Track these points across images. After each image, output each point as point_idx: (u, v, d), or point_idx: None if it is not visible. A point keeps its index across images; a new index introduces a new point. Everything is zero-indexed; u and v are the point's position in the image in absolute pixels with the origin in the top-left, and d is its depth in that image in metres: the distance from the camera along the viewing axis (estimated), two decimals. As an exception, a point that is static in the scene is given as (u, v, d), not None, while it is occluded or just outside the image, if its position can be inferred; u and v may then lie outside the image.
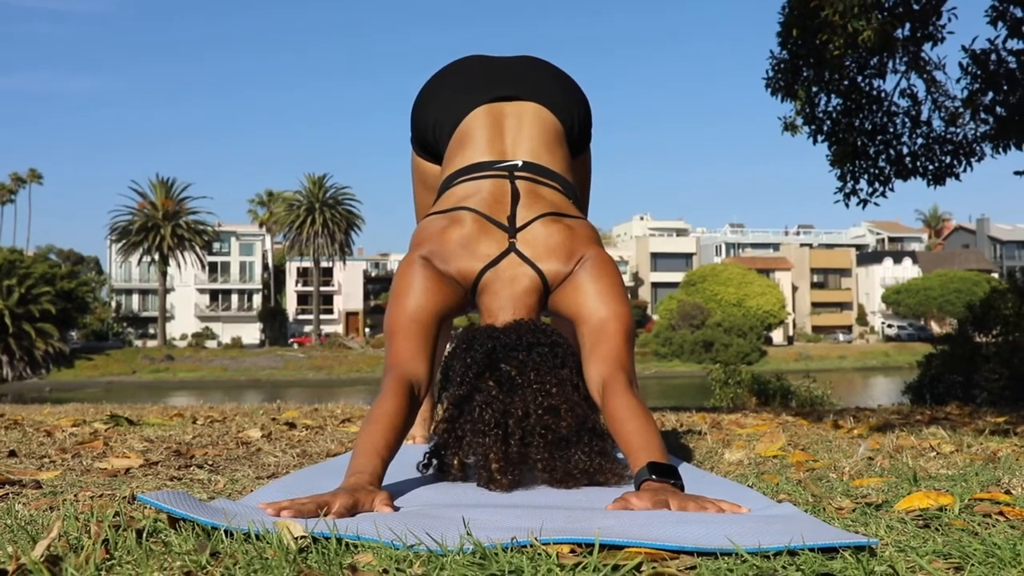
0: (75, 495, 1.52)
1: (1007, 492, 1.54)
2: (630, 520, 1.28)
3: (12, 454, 2.18)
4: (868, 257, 68.89)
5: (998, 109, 6.98)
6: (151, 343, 55.61)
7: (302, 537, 1.14)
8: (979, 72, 6.97)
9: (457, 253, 1.90)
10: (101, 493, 1.54)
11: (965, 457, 2.17)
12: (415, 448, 2.48)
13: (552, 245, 1.92)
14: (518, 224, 1.95)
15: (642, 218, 70.40)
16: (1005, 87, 6.88)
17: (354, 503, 1.38)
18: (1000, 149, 7.17)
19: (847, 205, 8.03)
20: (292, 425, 3.15)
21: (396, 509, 1.42)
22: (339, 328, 59.68)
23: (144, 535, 1.15)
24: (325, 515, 1.32)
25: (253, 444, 2.55)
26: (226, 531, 1.17)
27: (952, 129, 7.66)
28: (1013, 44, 6.82)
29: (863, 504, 1.45)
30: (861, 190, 7.90)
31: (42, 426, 2.93)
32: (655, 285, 60.82)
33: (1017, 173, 7.04)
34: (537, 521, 1.24)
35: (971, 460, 2.10)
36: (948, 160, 7.69)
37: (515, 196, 1.97)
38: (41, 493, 1.56)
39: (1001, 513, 1.36)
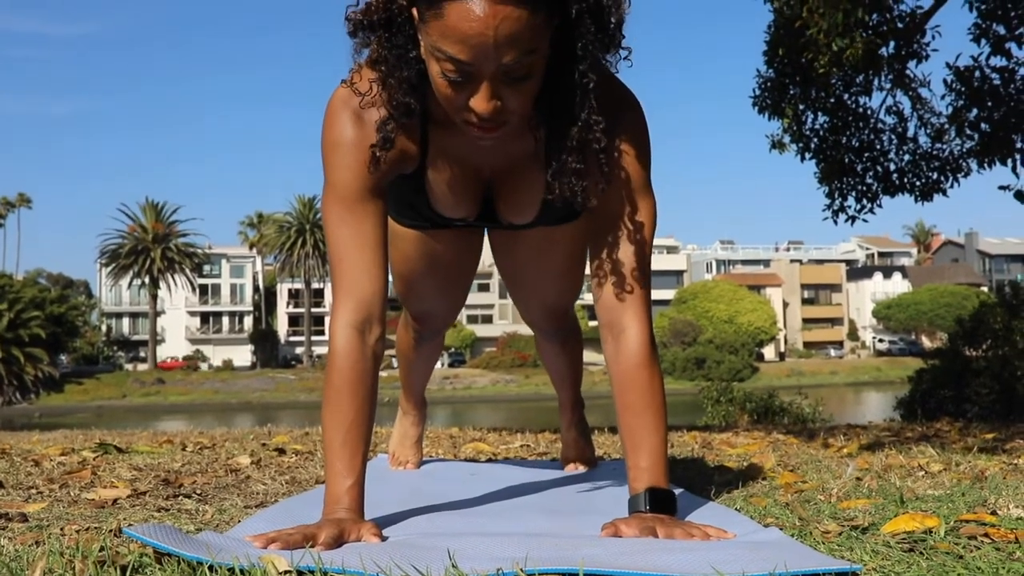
0: (61, 529, 1.51)
1: (993, 513, 1.54)
2: (617, 548, 1.28)
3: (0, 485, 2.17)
4: (858, 272, 69.17)
5: (983, 125, 7.03)
6: (142, 366, 55.44)
7: (287, 572, 1.14)
8: (963, 89, 7.03)
9: None
10: (87, 526, 1.53)
11: (953, 476, 2.18)
12: (404, 475, 2.48)
13: None
14: None
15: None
16: (989, 103, 6.94)
17: (340, 533, 1.38)
18: (985, 165, 7.22)
19: (836, 222, 8.08)
20: (282, 451, 3.14)
21: (383, 539, 1.42)
22: (331, 349, 59.56)
23: (129, 571, 1.15)
24: (311, 547, 1.31)
25: (242, 471, 2.55)
26: (211, 566, 1.17)
27: (938, 145, 7.71)
28: (996, 61, 6.88)
29: (849, 527, 1.46)
30: (849, 207, 7.95)
31: (30, 455, 2.91)
32: (646, 302, 60.83)
33: (1002, 188, 7.09)
34: (523, 550, 1.24)
35: (959, 480, 2.10)
36: (935, 176, 7.74)
37: None
38: (27, 527, 1.55)
39: (986, 535, 1.36)
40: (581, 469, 2.48)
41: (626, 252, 1.61)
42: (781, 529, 1.46)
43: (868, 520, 1.51)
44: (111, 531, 1.47)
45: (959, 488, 1.92)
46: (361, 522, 1.44)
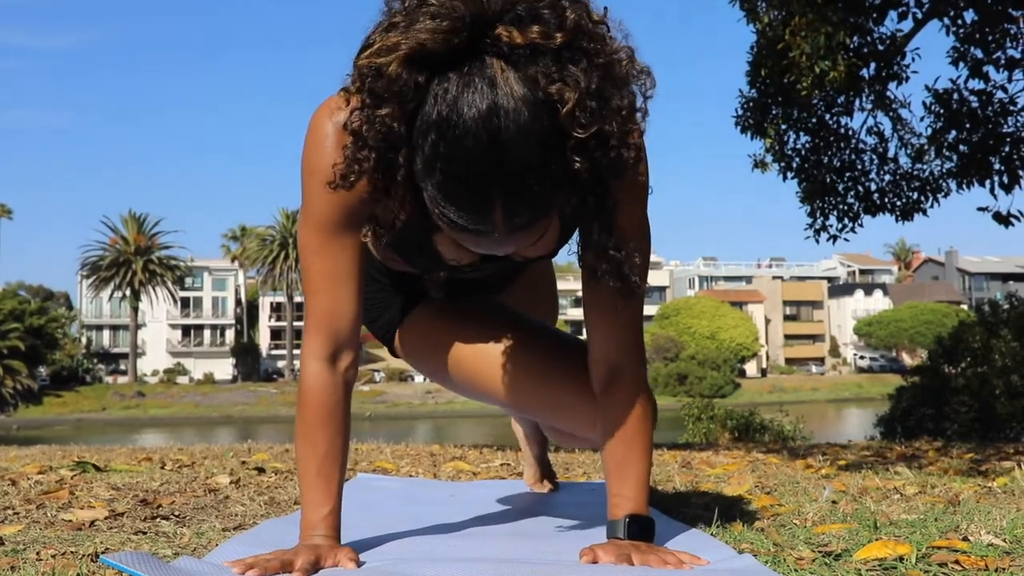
0: (37, 553, 1.51)
1: (965, 539, 1.56)
2: (591, 575, 1.29)
3: (-24, 505, 2.16)
4: (839, 289, 69.57)
5: (961, 147, 7.10)
6: (122, 379, 55.07)
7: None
8: (942, 111, 7.10)
9: None
10: (64, 550, 1.53)
11: (928, 500, 2.20)
12: (383, 496, 2.47)
13: None
14: None
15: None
16: (967, 125, 7.01)
17: (317, 559, 1.38)
18: (964, 186, 7.28)
19: (817, 241, 8.12)
20: (261, 470, 3.14)
21: (360, 564, 1.42)
22: (313, 363, 59.24)
23: (105, 597, 1.15)
24: (288, 573, 1.32)
25: (221, 491, 2.54)
26: (188, 592, 1.17)
27: (918, 165, 7.78)
28: (974, 84, 6.96)
29: (822, 554, 1.47)
30: (831, 226, 7.99)
31: (7, 474, 2.90)
32: (629, 318, 60.98)
33: (980, 209, 7.14)
34: (500, 577, 1.25)
35: (933, 504, 2.12)
36: (915, 196, 7.80)
37: None
38: (3, 551, 1.54)
39: (957, 562, 1.38)
40: (548, 488, 2.50)
41: (628, 312, 1.56)
42: (755, 555, 1.47)
43: (841, 546, 1.52)
44: (88, 556, 1.47)
45: (933, 513, 1.94)
46: (338, 547, 1.44)
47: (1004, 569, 1.33)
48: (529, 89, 1.17)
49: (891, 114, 7.81)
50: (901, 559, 1.40)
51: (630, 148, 1.26)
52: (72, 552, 1.51)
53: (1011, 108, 6.95)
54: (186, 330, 61.52)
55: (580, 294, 1.63)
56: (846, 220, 7.92)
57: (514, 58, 1.17)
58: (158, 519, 2.00)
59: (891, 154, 7.86)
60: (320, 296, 1.50)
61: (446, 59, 1.17)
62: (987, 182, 7.01)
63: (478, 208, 1.20)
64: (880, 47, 7.17)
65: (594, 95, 1.18)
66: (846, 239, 8.03)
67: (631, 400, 1.58)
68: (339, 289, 1.50)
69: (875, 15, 7.02)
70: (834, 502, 2.17)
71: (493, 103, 1.15)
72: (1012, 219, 6.92)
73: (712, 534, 1.75)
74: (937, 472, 3.12)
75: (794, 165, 7.85)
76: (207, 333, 61.79)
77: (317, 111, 1.43)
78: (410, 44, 1.15)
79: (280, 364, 58.95)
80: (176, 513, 2.10)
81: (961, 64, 6.95)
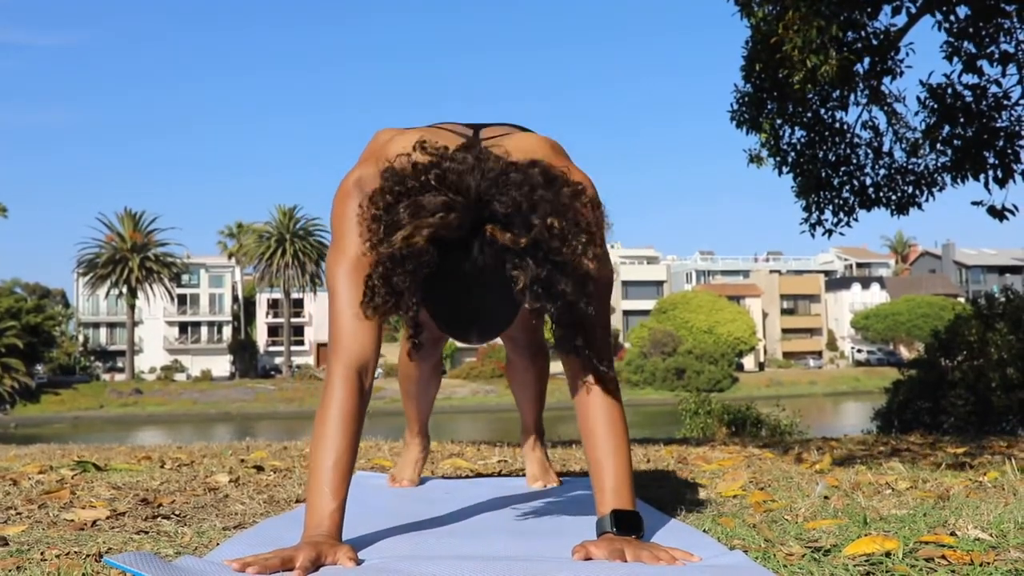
0: (42, 553, 1.53)
1: (952, 534, 1.59)
2: (585, 572, 1.32)
3: (-22, 506, 2.18)
4: (837, 283, 69.59)
5: (955, 141, 7.12)
6: (119, 377, 55.03)
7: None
8: (936, 106, 7.11)
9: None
10: (68, 551, 1.55)
11: (918, 495, 2.23)
12: (381, 494, 2.50)
13: (525, 148, 1.74)
14: (483, 136, 1.86)
15: (612, 246, 70.69)
16: (961, 120, 7.02)
17: (317, 556, 1.41)
18: (958, 180, 7.30)
19: (813, 235, 8.16)
20: (260, 468, 3.16)
21: (359, 562, 1.45)
22: (310, 359, 59.37)
23: (109, 597, 1.17)
24: (289, 570, 1.34)
25: (221, 490, 2.57)
26: (190, 591, 1.19)
27: (913, 160, 7.79)
28: (968, 79, 6.97)
29: (812, 550, 1.50)
30: (826, 220, 8.00)
31: (8, 474, 2.92)
32: (626, 313, 61.10)
33: (975, 203, 7.17)
34: (495, 575, 1.27)
35: (923, 499, 2.15)
36: (910, 190, 7.81)
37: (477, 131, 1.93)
38: (8, 551, 1.57)
39: (944, 557, 1.41)
40: (550, 485, 2.54)
41: (595, 311, 1.65)
42: (746, 552, 1.50)
43: (831, 542, 1.55)
44: (91, 556, 1.49)
45: (922, 507, 1.97)
46: (338, 546, 1.47)
47: (989, 563, 1.36)
48: (502, 267, 1.53)
49: (886, 109, 7.82)
50: (888, 554, 1.43)
51: (574, 312, 1.58)
52: (76, 552, 1.54)
53: (1005, 103, 6.97)
54: (183, 327, 61.48)
55: None
56: (841, 214, 7.93)
57: (494, 246, 1.52)
58: (159, 518, 2.03)
59: (886, 148, 7.86)
60: (347, 316, 1.70)
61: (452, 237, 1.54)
62: (981, 176, 7.03)
63: (459, 332, 1.70)
64: (874, 42, 7.18)
65: (541, 282, 1.52)
66: (841, 233, 8.04)
67: (602, 400, 1.70)
68: (366, 326, 1.69)
69: (869, 10, 7.03)
70: (826, 498, 2.20)
71: (477, 276, 1.54)
72: (1006, 213, 6.94)
73: (705, 530, 1.78)
74: (929, 466, 3.15)
75: (789, 160, 7.85)
76: (204, 330, 61.74)
77: (345, 178, 1.80)
78: (431, 230, 1.50)
79: (277, 361, 58.93)
80: (177, 512, 2.13)
81: (955, 59, 6.96)
